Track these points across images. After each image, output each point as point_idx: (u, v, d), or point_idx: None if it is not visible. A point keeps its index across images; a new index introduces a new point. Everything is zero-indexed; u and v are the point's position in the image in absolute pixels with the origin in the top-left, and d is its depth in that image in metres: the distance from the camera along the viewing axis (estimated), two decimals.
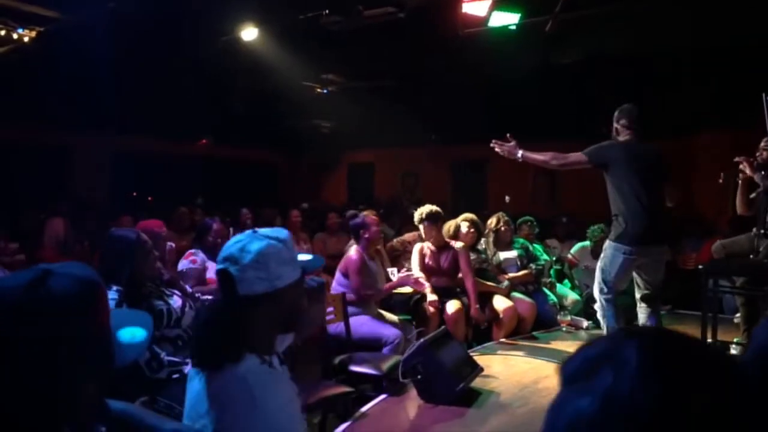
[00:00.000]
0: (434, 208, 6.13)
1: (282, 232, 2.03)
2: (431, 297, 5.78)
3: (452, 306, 5.78)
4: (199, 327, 2.03)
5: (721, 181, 5.10)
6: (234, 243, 1.96)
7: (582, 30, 7.77)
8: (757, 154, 5.07)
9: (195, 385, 1.94)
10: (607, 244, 4.85)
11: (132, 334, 1.47)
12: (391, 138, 12.63)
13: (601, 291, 4.88)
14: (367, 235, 5.60)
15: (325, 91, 11.51)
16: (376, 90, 10.83)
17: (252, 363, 1.89)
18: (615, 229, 4.78)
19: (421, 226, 6.14)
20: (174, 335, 3.40)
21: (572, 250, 7.97)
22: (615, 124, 4.97)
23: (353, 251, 5.58)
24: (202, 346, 1.96)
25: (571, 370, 0.71)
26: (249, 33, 7.90)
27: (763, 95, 3.66)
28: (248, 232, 2.00)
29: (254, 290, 1.91)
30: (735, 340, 5.25)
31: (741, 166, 4.91)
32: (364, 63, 9.86)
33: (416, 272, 6.11)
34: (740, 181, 5.09)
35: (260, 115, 11.80)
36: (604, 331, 4.95)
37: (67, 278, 1.24)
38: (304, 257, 2.16)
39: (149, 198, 11.74)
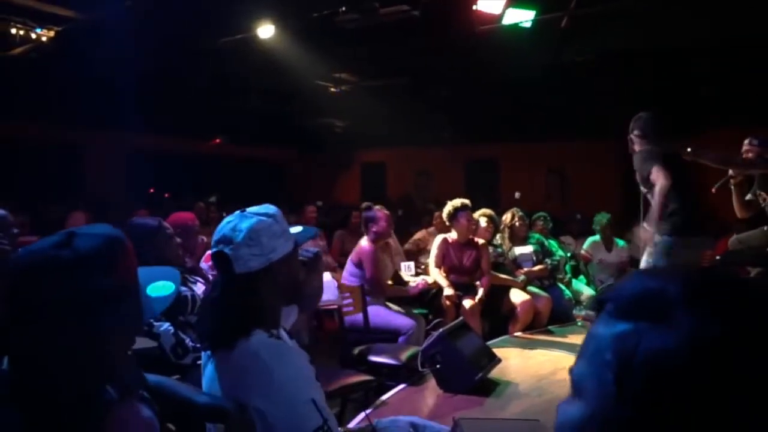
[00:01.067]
0: (465, 200, 6.18)
1: (271, 208, 2.06)
2: (449, 291, 5.83)
3: (469, 301, 5.83)
4: (204, 310, 2.07)
5: (713, 190, 5.11)
6: (225, 224, 1.99)
7: (595, 27, 7.77)
8: (743, 157, 5.09)
9: (209, 369, 1.99)
10: (659, 239, 4.71)
11: (161, 287, 1.51)
12: (404, 137, 12.68)
13: None
14: (375, 229, 5.64)
15: (338, 90, 11.54)
16: (389, 89, 10.86)
17: (261, 337, 1.91)
18: (667, 224, 4.69)
19: (454, 219, 6.15)
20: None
21: (584, 246, 8.01)
22: (630, 135, 4.97)
23: (365, 242, 5.64)
24: (209, 328, 1.99)
25: (624, 303, 0.69)
26: (265, 30, 7.94)
27: None
28: (237, 212, 2.03)
29: (250, 267, 1.94)
30: None
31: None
32: (377, 62, 9.89)
33: (432, 267, 6.15)
34: (733, 186, 5.09)
35: (274, 113, 11.87)
36: None
37: (91, 237, 1.29)
38: (295, 229, 2.19)
39: (165, 194, 11.84)
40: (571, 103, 9.83)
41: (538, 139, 12.33)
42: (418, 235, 7.92)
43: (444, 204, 6.37)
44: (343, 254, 7.50)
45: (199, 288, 3.52)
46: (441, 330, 4.41)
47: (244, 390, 1.88)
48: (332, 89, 11.42)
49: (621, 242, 7.85)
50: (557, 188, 13.01)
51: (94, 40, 7.50)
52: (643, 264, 4.88)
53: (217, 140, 13.71)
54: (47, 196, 8.76)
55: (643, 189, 4.84)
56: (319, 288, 2.53)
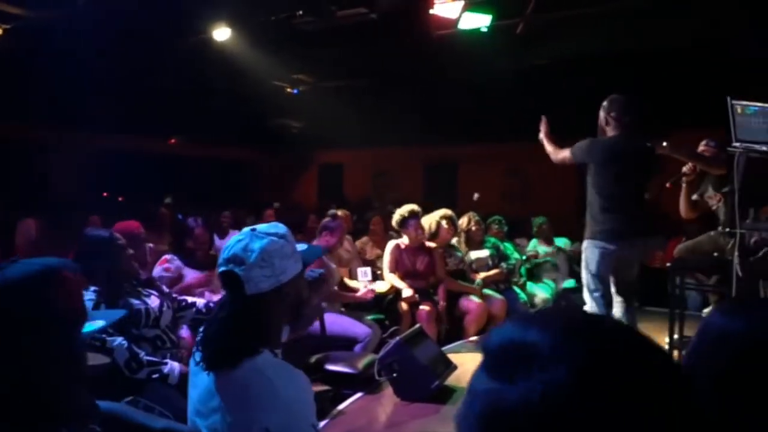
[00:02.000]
0: (415, 206, 6.20)
1: (280, 227, 2.06)
2: (408, 292, 5.85)
3: (424, 307, 5.84)
4: (213, 332, 2.02)
5: (668, 185, 5.22)
6: (235, 243, 1.97)
7: (553, 32, 7.88)
8: None
9: (203, 379, 1.96)
10: (585, 243, 4.78)
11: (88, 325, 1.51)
12: (363, 138, 12.67)
13: (588, 289, 4.80)
14: (328, 239, 5.62)
15: (295, 91, 11.50)
16: (347, 90, 10.86)
17: (267, 356, 1.92)
18: (589, 227, 4.74)
19: (403, 227, 6.16)
20: (153, 335, 3.40)
21: (528, 249, 8.12)
22: (605, 115, 4.83)
23: None
24: (218, 349, 1.95)
25: (492, 358, 0.70)
26: (222, 33, 7.87)
27: (728, 98, 3.75)
28: (247, 230, 2.02)
29: (261, 288, 1.93)
30: None
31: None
32: (336, 63, 9.89)
33: (387, 273, 6.15)
34: (684, 184, 5.19)
35: (232, 113, 11.76)
36: None
37: (28, 265, 1.32)
38: (300, 247, 2.18)
39: (120, 198, 11.61)
40: (530, 105, 9.88)
41: (497, 140, 12.41)
42: (358, 244, 7.78)
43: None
44: None
45: (153, 301, 3.47)
46: (398, 338, 4.43)
47: (249, 407, 1.87)
48: (288, 90, 11.38)
49: (560, 241, 8.01)
50: (516, 189, 13.13)
51: (48, 39, 7.38)
52: (582, 266, 4.90)
53: (172, 141, 13.53)
54: (3, 197, 8.56)
55: None
56: (319, 309, 2.53)
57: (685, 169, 5.05)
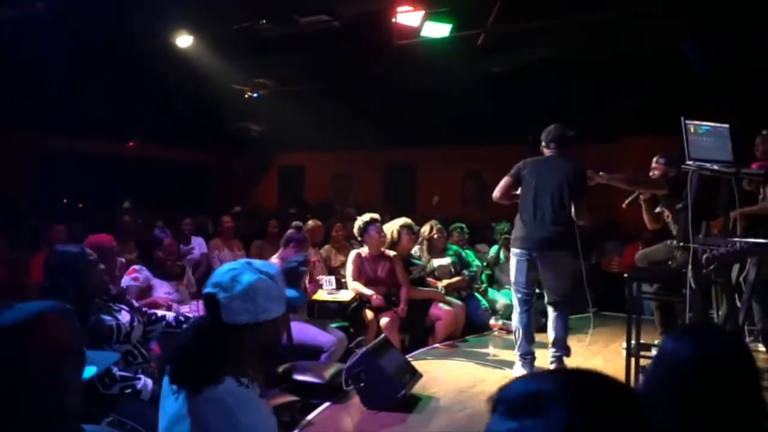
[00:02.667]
0: (374, 215, 6.28)
1: (273, 268, 2.12)
2: (370, 292, 5.96)
3: (386, 316, 5.92)
4: (182, 348, 2.07)
5: (624, 205, 5.48)
6: (227, 271, 2.03)
7: (512, 42, 8.02)
8: (651, 174, 5.42)
9: (171, 403, 2.00)
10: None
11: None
12: (323, 141, 12.70)
13: (513, 290, 5.31)
14: (295, 249, 5.66)
15: (255, 95, 11.48)
16: (308, 94, 10.87)
17: (230, 384, 1.96)
18: (512, 234, 5.29)
19: (365, 233, 6.23)
20: (124, 351, 3.41)
21: (489, 255, 8.23)
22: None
23: (275, 259, 5.66)
24: (183, 366, 2.01)
25: (511, 404, 0.83)
26: (184, 40, 7.85)
27: (682, 119, 3.91)
28: (242, 261, 2.08)
29: (238, 320, 1.98)
30: (656, 342, 5.56)
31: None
32: (297, 68, 9.90)
33: (351, 282, 6.20)
34: (642, 203, 5.45)
35: (192, 116, 11.68)
36: (514, 328, 5.31)
37: (18, 309, 1.39)
38: (291, 293, 2.27)
39: (79, 204, 11.42)
40: (489, 110, 10.04)
41: (456, 143, 12.53)
42: (323, 252, 7.76)
43: (364, 210, 6.48)
44: None
45: (124, 316, 3.48)
46: (365, 348, 4.51)
47: None
48: (248, 93, 11.35)
49: None
50: (475, 192, 13.23)
51: (2, 38, 7.26)
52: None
53: (131, 144, 13.38)
54: None
55: None
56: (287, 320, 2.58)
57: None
